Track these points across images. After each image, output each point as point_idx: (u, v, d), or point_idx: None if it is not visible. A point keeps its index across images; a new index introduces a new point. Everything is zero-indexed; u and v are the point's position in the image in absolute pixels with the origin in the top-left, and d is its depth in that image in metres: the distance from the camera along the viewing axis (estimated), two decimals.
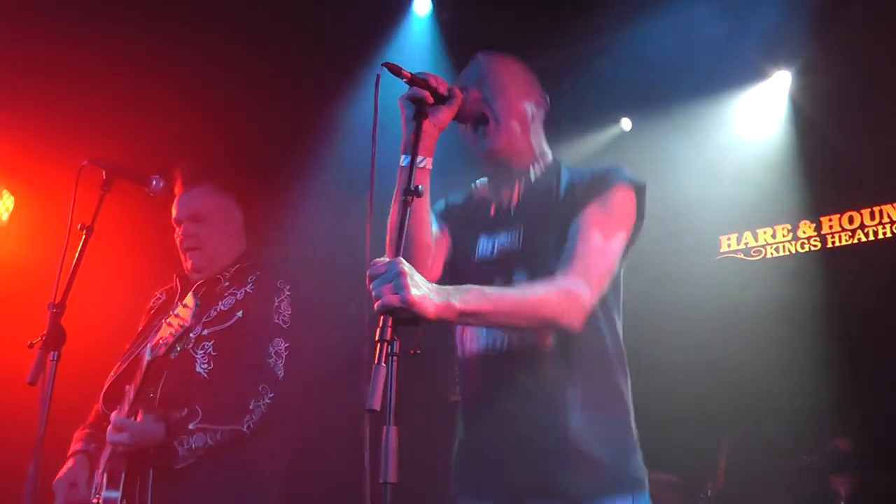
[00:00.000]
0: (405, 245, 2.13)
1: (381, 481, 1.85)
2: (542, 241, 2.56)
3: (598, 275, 2.44)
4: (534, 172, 2.70)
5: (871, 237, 5.73)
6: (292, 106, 5.69)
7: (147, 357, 3.11)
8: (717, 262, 6.00)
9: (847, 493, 4.84)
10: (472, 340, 2.61)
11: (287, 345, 3.36)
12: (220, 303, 3.40)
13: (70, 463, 3.32)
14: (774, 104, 5.88)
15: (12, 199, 5.50)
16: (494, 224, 2.69)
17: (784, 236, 5.90)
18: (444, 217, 2.79)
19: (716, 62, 5.49)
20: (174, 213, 3.60)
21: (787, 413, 5.21)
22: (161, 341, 3.07)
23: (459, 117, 2.55)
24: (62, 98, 5.04)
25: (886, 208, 5.72)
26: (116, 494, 3.09)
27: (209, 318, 3.34)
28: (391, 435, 1.88)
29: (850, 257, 5.75)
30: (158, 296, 3.71)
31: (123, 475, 3.10)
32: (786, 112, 5.85)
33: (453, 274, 2.68)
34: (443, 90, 2.44)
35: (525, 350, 2.51)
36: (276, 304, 3.41)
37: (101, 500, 3.08)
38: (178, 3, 5.05)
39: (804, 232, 5.85)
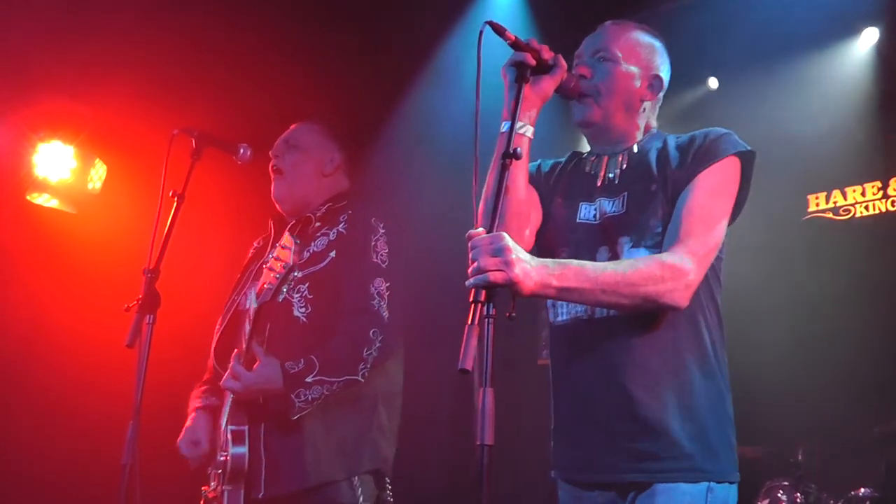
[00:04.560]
0: (500, 212, 2.08)
1: (478, 443, 1.83)
2: (648, 206, 2.44)
3: (705, 250, 2.34)
4: (638, 145, 2.59)
5: None
6: (379, 72, 5.79)
7: (253, 305, 3.11)
8: (806, 223, 5.86)
9: None
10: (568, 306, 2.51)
11: (388, 284, 3.29)
12: (312, 244, 3.35)
13: (189, 421, 3.37)
14: (862, 60, 5.72)
15: (105, 167, 5.61)
16: (599, 192, 2.57)
17: (874, 194, 5.73)
18: (535, 182, 2.66)
19: (803, 19, 5.35)
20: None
21: (879, 377, 5.10)
22: (266, 286, 3.05)
23: (562, 91, 2.48)
24: (153, 67, 5.12)
25: None
26: (244, 450, 3.11)
27: (302, 260, 3.30)
28: (488, 397, 1.85)
29: None
30: (256, 245, 3.70)
31: (247, 430, 3.15)
32: (874, 68, 5.68)
33: (553, 240, 2.59)
34: (546, 56, 2.37)
35: (622, 319, 2.40)
36: (373, 242, 3.33)
37: (228, 457, 3.10)
38: None
39: (895, 189, 5.68)
